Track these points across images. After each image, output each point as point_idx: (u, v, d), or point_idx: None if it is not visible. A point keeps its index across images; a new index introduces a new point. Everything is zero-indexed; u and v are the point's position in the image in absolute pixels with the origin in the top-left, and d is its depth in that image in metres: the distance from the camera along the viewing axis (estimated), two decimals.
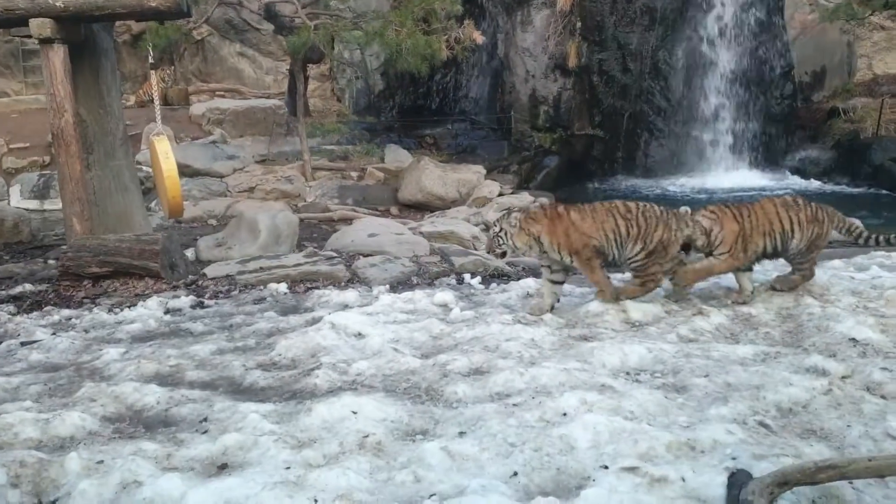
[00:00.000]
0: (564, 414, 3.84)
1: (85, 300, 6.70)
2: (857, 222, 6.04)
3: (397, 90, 19.85)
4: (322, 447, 3.61)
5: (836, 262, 6.75)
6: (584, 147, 16.13)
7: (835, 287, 5.84)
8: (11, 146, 15.44)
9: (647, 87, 15.90)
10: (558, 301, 5.76)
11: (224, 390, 4.46)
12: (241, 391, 4.46)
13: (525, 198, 12.19)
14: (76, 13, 7.86)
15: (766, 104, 16.33)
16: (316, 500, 3.12)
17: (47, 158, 14.87)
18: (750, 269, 5.75)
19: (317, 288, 6.75)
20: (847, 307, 5.38)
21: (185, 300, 6.42)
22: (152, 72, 8.50)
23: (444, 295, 6.15)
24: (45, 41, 7.96)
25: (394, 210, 12.67)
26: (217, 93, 19.83)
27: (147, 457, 3.55)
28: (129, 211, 9.32)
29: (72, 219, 8.23)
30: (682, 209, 5.74)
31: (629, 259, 5.55)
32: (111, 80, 9.24)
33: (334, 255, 7.82)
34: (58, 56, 8.00)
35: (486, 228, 10.15)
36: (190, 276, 7.31)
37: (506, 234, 5.54)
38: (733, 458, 3.33)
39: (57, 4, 7.73)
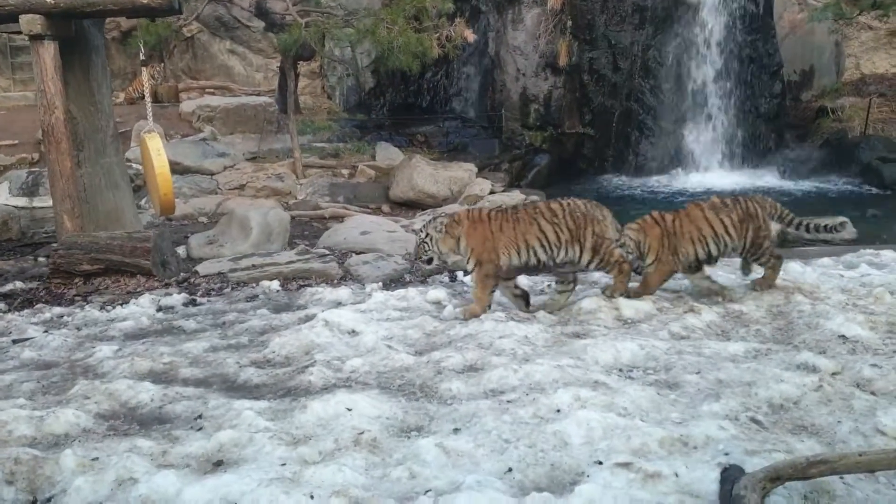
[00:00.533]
0: (558, 410, 3.87)
1: (76, 298, 6.68)
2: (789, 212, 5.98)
3: (388, 88, 19.84)
4: (317, 444, 3.62)
5: (826, 260, 6.82)
6: (575, 145, 16.17)
7: (824, 285, 5.90)
8: (0, 143, 15.33)
9: (638, 86, 15.95)
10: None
11: (218, 388, 4.46)
12: (235, 388, 4.46)
13: (516, 196, 12.22)
14: (67, 9, 7.82)
15: (754, 103, 16.42)
16: (312, 497, 3.13)
17: (36, 156, 14.77)
18: (699, 270, 5.79)
19: (309, 286, 6.76)
20: (837, 304, 5.43)
21: (177, 298, 6.42)
22: (143, 68, 8.47)
23: (437, 292, 6.17)
24: (36, 38, 7.92)
25: (385, 208, 12.68)
26: (207, 90, 19.74)
27: (142, 454, 3.56)
28: (119, 208, 9.29)
29: (62, 216, 8.20)
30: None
31: (583, 264, 5.58)
32: (102, 77, 9.20)
33: (326, 252, 7.82)
34: (48, 52, 7.96)
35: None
36: (182, 274, 7.29)
37: (432, 239, 5.59)
38: (726, 454, 3.37)
39: (47, 1, 7.68)
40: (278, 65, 17.63)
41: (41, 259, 8.59)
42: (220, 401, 4.17)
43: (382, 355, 4.76)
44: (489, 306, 5.61)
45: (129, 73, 20.45)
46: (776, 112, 16.70)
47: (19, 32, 8.27)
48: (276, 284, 6.79)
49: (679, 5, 15.93)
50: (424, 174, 12.67)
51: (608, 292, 5.62)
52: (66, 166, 8.19)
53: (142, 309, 6.15)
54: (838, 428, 3.68)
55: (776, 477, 3.09)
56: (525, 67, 16.22)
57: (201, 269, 7.37)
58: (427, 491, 3.20)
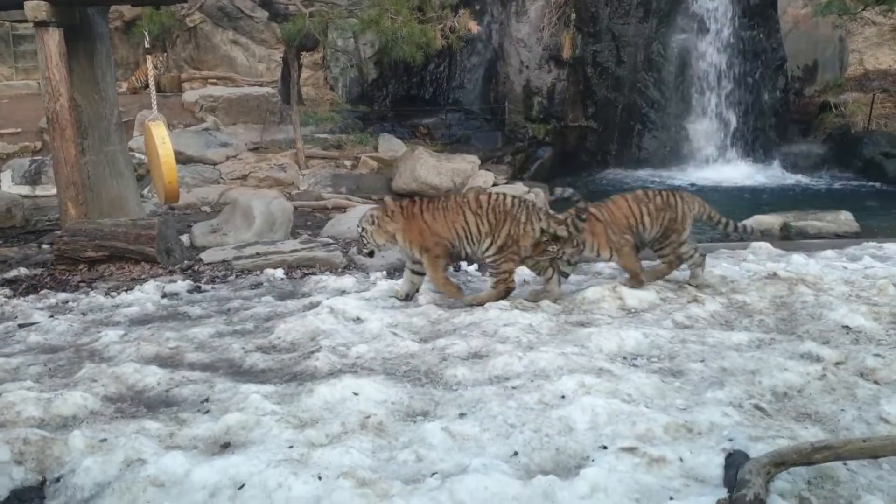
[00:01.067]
0: (563, 396, 3.89)
1: (81, 284, 6.70)
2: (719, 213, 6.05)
3: (391, 79, 19.81)
4: (324, 427, 3.65)
5: (829, 253, 6.83)
6: (578, 138, 16.16)
7: (828, 276, 5.92)
8: (2, 131, 15.33)
9: (641, 79, 15.94)
10: (417, 290, 5.86)
11: (224, 372, 4.48)
12: (241, 373, 4.48)
13: (519, 188, 12.22)
14: None
15: (758, 97, 16.41)
16: (320, 478, 3.15)
17: (39, 144, 14.78)
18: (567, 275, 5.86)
19: (313, 274, 6.77)
20: (840, 296, 5.45)
21: (182, 284, 6.43)
22: (147, 57, 8.47)
23: None
24: (41, 24, 7.92)
25: (387, 199, 12.67)
26: (210, 80, 19.73)
27: (150, 435, 3.58)
28: (123, 196, 9.30)
29: (66, 203, 8.22)
30: (536, 203, 5.87)
31: (485, 256, 5.61)
32: (106, 65, 9.20)
33: (330, 241, 7.84)
34: (53, 39, 7.97)
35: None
36: (186, 262, 7.31)
37: (367, 233, 5.65)
38: (730, 440, 3.39)
39: None
40: (281, 55, 17.61)
41: (45, 246, 8.60)
42: (226, 385, 4.19)
43: (387, 342, 4.78)
44: (449, 281, 5.70)
45: (132, 63, 20.43)
46: (779, 106, 16.70)
47: (22, 21, 8.28)
48: (280, 272, 6.80)
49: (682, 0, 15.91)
50: (427, 166, 12.68)
51: (473, 301, 5.57)
52: (71, 154, 8.21)
53: (147, 295, 6.17)
54: (842, 416, 3.70)
55: (781, 462, 3.11)
56: (528, 60, 16.20)
57: (205, 256, 7.38)
58: (434, 473, 3.23)
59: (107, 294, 6.28)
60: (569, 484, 3.09)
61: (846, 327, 4.82)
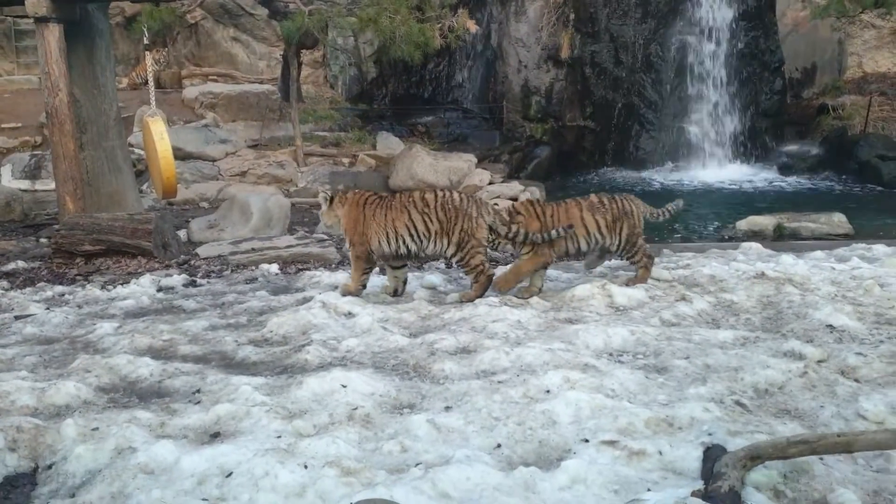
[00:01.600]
0: (548, 391, 3.96)
1: (78, 277, 6.76)
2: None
3: (390, 78, 19.87)
4: (312, 418, 3.72)
5: (818, 253, 6.90)
6: (575, 138, 16.23)
7: (815, 277, 5.98)
8: (3, 126, 15.39)
9: (639, 80, 16.00)
10: (405, 283, 5.95)
11: (216, 364, 4.55)
12: (233, 365, 4.55)
13: (515, 186, 12.29)
14: None
15: (755, 99, 16.46)
16: (306, 467, 3.22)
17: (39, 139, 14.84)
18: (545, 268, 5.90)
19: (308, 269, 6.84)
20: (826, 296, 5.52)
21: (177, 279, 6.50)
22: (146, 53, 8.54)
23: (433, 277, 6.26)
24: (41, 20, 8.00)
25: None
26: (210, 77, 19.79)
27: (141, 425, 3.65)
28: (121, 191, 9.38)
29: (65, 197, 8.29)
30: (483, 198, 5.95)
31: (447, 257, 5.67)
32: (105, 61, 9.27)
33: (325, 237, 7.91)
34: (53, 35, 8.04)
35: None
36: (182, 256, 7.38)
37: (321, 210, 5.78)
38: (709, 434, 3.46)
39: None
40: (281, 53, 17.67)
41: (43, 240, 8.67)
42: (218, 376, 4.26)
43: (377, 336, 4.85)
44: (363, 287, 5.77)
45: (133, 59, 20.48)
46: (776, 109, 16.75)
47: (24, 16, 8.35)
48: (275, 268, 6.87)
49: (682, 1, 15.97)
50: (424, 164, 12.75)
51: (462, 298, 5.63)
52: (69, 148, 8.28)
53: (142, 289, 6.24)
54: (821, 412, 3.77)
55: (756, 456, 3.18)
56: (527, 59, 16.27)
57: (202, 251, 7.45)
58: (418, 464, 3.30)
59: (103, 287, 6.35)
60: (549, 475, 3.16)
61: (830, 326, 4.88)
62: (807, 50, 20.04)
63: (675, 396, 3.89)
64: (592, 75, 16.01)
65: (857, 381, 4.12)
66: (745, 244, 7.27)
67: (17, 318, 5.51)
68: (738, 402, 3.83)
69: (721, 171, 15.83)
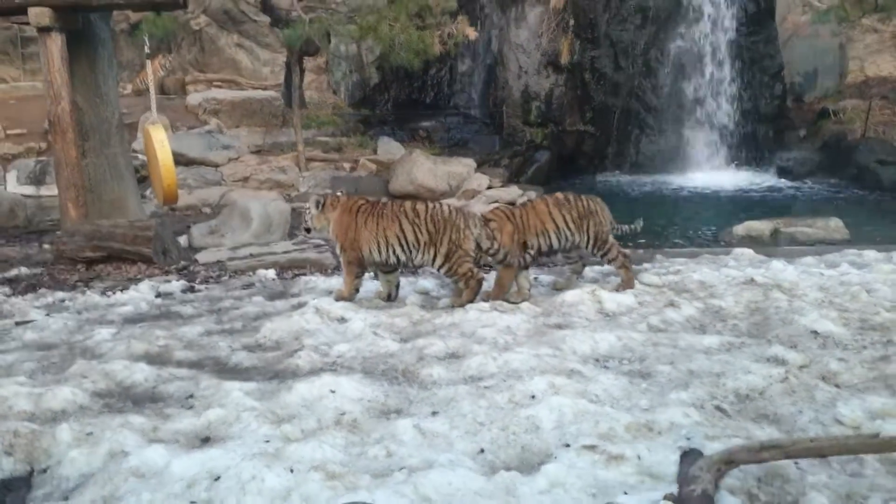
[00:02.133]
0: (533, 396, 4.04)
1: (78, 283, 6.87)
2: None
3: (392, 84, 20.01)
4: (300, 423, 3.81)
5: (809, 259, 6.96)
6: (575, 143, 16.29)
7: (804, 283, 6.05)
8: (8, 132, 15.56)
9: (639, 85, 16.06)
10: (398, 287, 6.10)
11: (210, 369, 4.65)
12: (226, 370, 4.65)
13: (514, 191, 12.37)
14: (74, 2, 8.03)
15: (755, 104, 16.51)
16: (292, 471, 3.31)
17: (44, 145, 14.98)
18: (527, 268, 6.01)
19: (304, 274, 6.94)
20: (813, 301, 5.59)
21: (176, 285, 6.61)
22: (147, 61, 8.66)
23: (426, 282, 6.35)
24: (44, 29, 8.12)
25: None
26: (214, 83, 19.95)
27: (134, 429, 3.75)
28: (124, 198, 9.49)
29: (67, 204, 8.41)
30: (472, 210, 6.05)
31: (435, 268, 5.77)
32: (107, 69, 9.40)
33: (322, 243, 8.00)
34: (55, 44, 8.16)
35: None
36: (182, 262, 7.48)
37: (310, 213, 5.87)
38: (688, 439, 3.54)
39: None
40: (285, 59, 17.80)
41: (46, 246, 8.78)
42: (211, 381, 4.35)
43: (368, 341, 4.94)
44: (356, 291, 5.88)
45: (138, 65, 20.65)
46: (776, 113, 16.79)
47: (29, 24, 8.48)
48: (272, 273, 6.97)
49: (681, 6, 16.03)
50: (423, 168, 12.84)
51: (453, 303, 5.73)
52: (72, 155, 8.40)
53: (141, 295, 6.34)
54: (799, 417, 3.84)
55: (731, 460, 3.25)
56: (527, 65, 16.35)
57: (201, 257, 7.56)
58: (402, 468, 3.38)
59: (102, 293, 6.46)
60: (529, 479, 3.25)
61: (815, 332, 4.95)
62: (808, 54, 20.07)
63: (657, 402, 3.97)
64: (592, 81, 16.08)
65: (837, 386, 4.20)
66: (738, 250, 7.34)
67: (17, 323, 5.62)
68: (718, 408, 3.91)
69: (720, 175, 15.86)
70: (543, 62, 16.21)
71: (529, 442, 3.63)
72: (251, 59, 21.43)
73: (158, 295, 6.39)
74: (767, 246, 8.83)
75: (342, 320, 5.40)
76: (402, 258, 5.73)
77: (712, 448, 3.42)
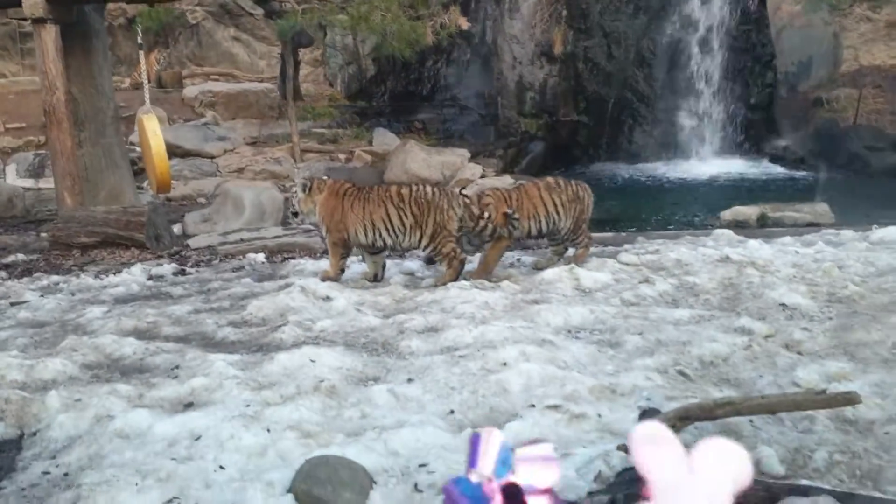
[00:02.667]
0: (504, 364, 4.20)
1: (73, 268, 7.04)
2: None
3: (389, 75, 20.11)
4: (280, 389, 3.98)
5: (786, 238, 7.10)
6: (570, 133, 16.43)
7: (778, 260, 6.20)
8: (8, 126, 15.73)
9: (632, 75, 16.19)
10: (384, 268, 6.20)
11: (197, 343, 4.82)
12: (212, 345, 4.81)
13: (507, 180, 12.50)
14: None
15: (747, 93, 16.62)
16: (269, 430, 3.48)
17: (42, 138, 15.10)
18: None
19: (293, 258, 7.10)
20: (785, 277, 5.74)
21: (167, 268, 6.77)
22: (141, 52, 8.81)
23: (411, 264, 6.51)
24: (38, 21, 8.28)
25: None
26: (211, 77, 20.09)
27: (120, 396, 3.92)
28: (119, 187, 9.67)
29: (63, 193, 8.58)
30: (455, 190, 6.19)
31: (422, 248, 5.93)
32: (102, 61, 9.56)
33: (311, 228, 8.15)
34: (50, 35, 8.32)
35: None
36: (175, 248, 7.65)
37: (297, 197, 6.04)
38: (648, 400, 3.70)
39: None
40: (280, 52, 17.93)
41: (43, 235, 8.94)
42: (196, 354, 4.52)
43: (351, 317, 5.11)
44: (342, 271, 6.03)
45: (136, 59, 20.78)
46: (768, 101, 16.91)
47: (25, 18, 8.65)
48: (261, 257, 7.13)
49: None
50: (418, 159, 12.99)
51: (436, 282, 5.88)
52: (67, 145, 8.57)
53: (133, 277, 6.50)
54: (759, 381, 4.00)
55: (686, 416, 3.41)
56: (521, 56, 16.47)
57: (192, 242, 7.73)
58: (374, 428, 3.54)
59: (96, 276, 6.62)
60: None
61: (783, 305, 5.10)
62: (802, 43, 20.12)
63: (622, 367, 4.14)
64: (585, 70, 16.22)
65: (799, 353, 4.35)
66: (718, 231, 7.48)
67: (12, 304, 5.79)
68: (681, 372, 4.07)
69: (713, 163, 15.99)
70: (537, 53, 16.34)
71: (497, 404, 3.79)
72: (248, 53, 21.56)
73: (150, 277, 6.56)
74: (753, 230, 8.96)
75: (327, 299, 5.56)
76: (389, 241, 5.89)
77: (670, 407, 3.58)
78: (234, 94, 17.18)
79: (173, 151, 13.53)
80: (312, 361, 4.27)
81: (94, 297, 5.98)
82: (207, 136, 14.83)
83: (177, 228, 8.90)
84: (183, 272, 6.71)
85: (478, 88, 19.06)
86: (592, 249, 6.87)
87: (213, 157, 14.21)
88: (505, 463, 0.95)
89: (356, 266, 6.55)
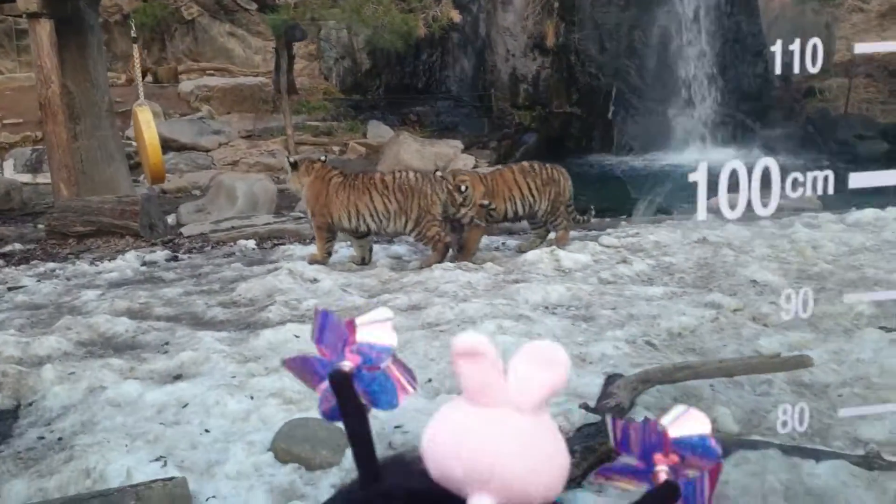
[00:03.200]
0: None
1: (69, 255, 7.21)
2: None
3: (384, 69, 20.25)
4: (265, 362, 4.16)
5: (765, 221, 7.25)
6: (562, 124, 16.58)
7: (754, 241, 6.38)
8: (5, 122, 15.90)
9: (623, 66, 16.34)
10: (371, 251, 6.38)
11: (187, 322, 5.00)
12: (202, 323, 4.99)
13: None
14: None
15: (738, 83, 16.77)
16: (252, 398, 3.66)
17: (40, 134, 15.28)
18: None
19: (283, 244, 7.27)
20: (759, 257, 5.92)
21: (160, 254, 6.95)
22: (135, 45, 8.98)
23: (399, 248, 6.68)
24: (33, 16, 8.45)
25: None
26: (207, 72, 20.25)
27: (113, 369, 4.10)
28: (114, 179, 9.84)
29: (59, 184, 8.75)
30: (438, 174, 6.34)
31: (408, 233, 6.12)
32: (97, 55, 9.72)
33: (301, 215, 8.32)
34: (44, 30, 8.49)
35: None
36: (168, 236, 7.83)
37: (288, 174, 6.27)
38: (614, 367, 3.88)
39: None
40: (274, 46, 18.09)
41: (40, 226, 9.11)
42: (186, 331, 4.71)
43: (336, 297, 5.29)
44: (329, 254, 6.20)
45: (131, 55, 20.94)
46: (759, 91, 17.06)
47: (20, 15, 8.81)
48: (252, 243, 7.31)
49: None
50: (411, 150, 13.15)
51: (422, 265, 6.05)
52: (63, 137, 8.73)
53: (127, 263, 6.68)
54: (723, 350, 4.18)
55: (647, 380, 3.59)
56: (514, 48, 16.63)
57: (185, 230, 7.91)
58: None
59: (91, 263, 6.80)
60: None
61: (754, 281, 5.28)
62: (795, 34, 20.25)
63: (593, 338, 4.32)
64: (577, 62, 16.36)
65: (765, 325, 4.53)
66: (698, 214, 7.63)
67: (9, 289, 5.96)
68: (648, 343, 4.25)
69: (704, 153, 16.13)
70: (530, 45, 16.50)
71: None
72: (243, 48, 21.71)
73: (143, 264, 6.73)
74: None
75: (314, 280, 5.74)
76: (373, 227, 6.07)
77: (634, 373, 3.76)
78: (229, 88, 17.35)
79: (169, 145, 13.71)
80: (297, 337, 4.45)
81: (88, 282, 6.16)
82: (202, 130, 15.00)
83: (171, 219, 9.06)
84: (175, 258, 6.88)
85: (472, 81, 19.23)
86: (576, 233, 7.05)
87: (208, 151, 14.38)
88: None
89: (344, 250, 6.73)
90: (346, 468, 3.08)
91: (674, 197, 12.09)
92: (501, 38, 16.91)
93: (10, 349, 4.39)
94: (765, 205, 1.57)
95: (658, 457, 0.92)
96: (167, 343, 4.55)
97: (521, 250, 6.49)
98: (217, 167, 13.59)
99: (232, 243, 7.31)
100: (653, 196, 6.62)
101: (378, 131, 15.69)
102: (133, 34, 8.96)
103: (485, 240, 6.87)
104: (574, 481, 3.01)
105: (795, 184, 1.49)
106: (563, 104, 16.60)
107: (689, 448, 0.91)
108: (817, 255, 5.90)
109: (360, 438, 0.92)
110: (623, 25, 16.20)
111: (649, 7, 16.25)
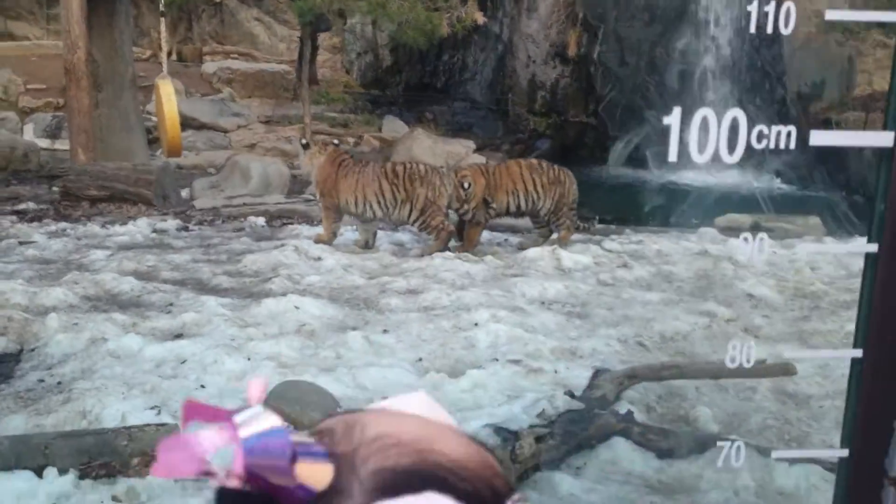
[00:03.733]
0: (476, 324, 4.47)
1: (81, 217, 7.33)
2: None
3: (405, 66, 20.38)
4: (264, 328, 4.27)
5: (767, 241, 7.32)
6: (577, 133, 16.68)
7: (755, 257, 6.43)
8: (28, 87, 16.08)
9: (642, 81, 16.42)
10: (375, 235, 6.49)
11: (192, 287, 5.11)
12: (207, 289, 5.10)
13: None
14: None
15: (756, 107, 16.82)
16: (249, 359, 3.77)
17: (61, 101, 15.46)
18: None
19: (292, 223, 7.38)
20: (757, 272, 5.98)
21: (171, 223, 7.07)
22: (162, 19, 9.11)
23: (403, 236, 6.78)
24: None
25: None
26: (231, 55, 20.42)
27: (115, 324, 4.21)
28: (132, 149, 9.97)
29: (77, 149, 8.88)
30: (444, 168, 6.47)
31: (412, 223, 6.21)
32: (124, 26, 9.88)
33: (312, 198, 8.42)
34: None
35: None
36: (180, 207, 7.95)
37: (300, 154, 6.36)
38: (603, 362, 3.97)
39: None
40: (300, 35, 18.24)
41: (55, 188, 9.24)
42: (190, 295, 4.82)
43: (338, 275, 5.39)
44: (334, 235, 6.31)
45: (158, 31, 21.14)
46: (776, 118, 17.09)
47: None
48: (262, 220, 7.41)
49: (688, 7, 16.36)
50: (423, 146, 13.24)
51: (423, 252, 6.15)
52: (84, 103, 8.87)
53: (138, 229, 6.80)
54: (711, 356, 4.24)
55: (633, 375, 3.69)
56: (535, 55, 16.74)
57: (198, 203, 8.02)
58: (347, 366, 3.83)
59: (102, 226, 6.92)
60: (455, 381, 3.69)
61: (750, 295, 5.36)
62: (817, 65, 20.32)
63: (586, 334, 4.40)
64: (597, 74, 16.44)
65: (756, 336, 4.60)
66: (703, 229, 7.73)
67: (21, 243, 6.09)
68: (640, 343, 4.33)
69: (718, 174, 16.17)
70: (551, 53, 16.59)
71: (463, 356, 4.07)
72: (269, 35, 21.87)
73: (154, 231, 6.85)
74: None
75: (318, 259, 5.84)
76: (379, 213, 6.17)
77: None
78: (252, 73, 17.50)
79: (189, 123, 13.85)
80: (296, 308, 4.55)
81: (98, 243, 6.27)
82: (223, 111, 15.15)
83: (185, 193, 9.17)
84: (186, 228, 7.00)
85: (490, 84, 19.35)
86: (579, 236, 7.13)
87: (226, 132, 14.52)
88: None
89: (350, 234, 6.83)
90: None
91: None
92: (524, 45, 17.01)
93: (17, 297, 4.51)
94: (731, 152, 1.65)
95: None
96: (171, 304, 4.66)
97: (522, 247, 6.57)
98: (234, 148, 13.72)
99: (243, 219, 7.42)
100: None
101: (393, 126, 15.81)
102: (162, 7, 9.10)
103: (487, 235, 6.97)
104: (553, 463, 3.11)
105: (760, 136, 1.56)
106: (580, 114, 16.69)
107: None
108: (815, 275, 5.96)
109: None
110: (645, 41, 16.29)
111: (673, 26, 16.34)
